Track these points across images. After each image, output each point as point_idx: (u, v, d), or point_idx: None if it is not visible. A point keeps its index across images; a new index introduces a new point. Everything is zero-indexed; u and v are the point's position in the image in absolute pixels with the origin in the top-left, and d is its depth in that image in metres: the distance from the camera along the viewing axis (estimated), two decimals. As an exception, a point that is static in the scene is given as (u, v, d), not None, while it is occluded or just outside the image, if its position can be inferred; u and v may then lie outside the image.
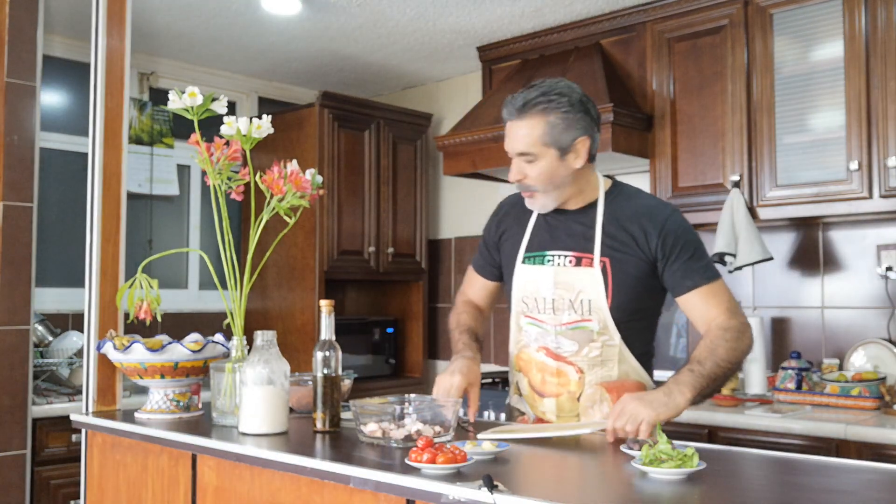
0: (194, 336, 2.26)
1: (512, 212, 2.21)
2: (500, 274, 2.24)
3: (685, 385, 1.84)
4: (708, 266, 2.01)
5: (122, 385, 2.48)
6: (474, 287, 2.33)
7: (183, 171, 4.45)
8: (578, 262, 2.01)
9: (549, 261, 2.05)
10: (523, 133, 1.98)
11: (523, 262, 2.11)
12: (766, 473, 1.65)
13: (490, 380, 3.73)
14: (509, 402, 2.24)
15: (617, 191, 2.08)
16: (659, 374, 3.67)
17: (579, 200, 2.06)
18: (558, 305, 2.03)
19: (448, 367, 2.06)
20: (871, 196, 2.93)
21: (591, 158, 2.03)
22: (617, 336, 1.99)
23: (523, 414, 2.17)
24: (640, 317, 2.04)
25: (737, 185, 3.22)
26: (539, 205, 2.06)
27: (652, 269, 2.01)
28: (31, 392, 3.09)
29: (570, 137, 1.97)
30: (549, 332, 2.04)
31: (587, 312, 2.00)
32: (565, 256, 2.04)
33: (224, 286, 2.09)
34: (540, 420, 2.11)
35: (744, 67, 3.25)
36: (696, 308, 1.99)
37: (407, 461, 1.53)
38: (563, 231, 2.07)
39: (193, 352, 2.18)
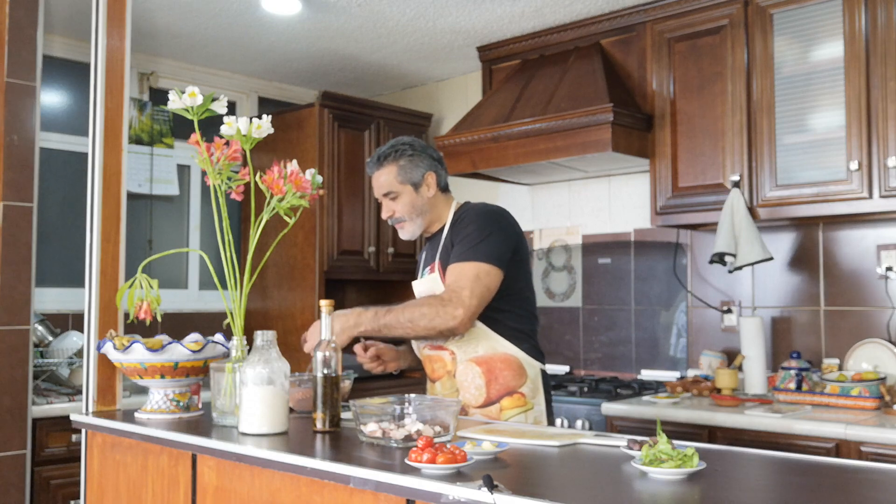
0: (194, 336, 2.26)
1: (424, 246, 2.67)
2: None
3: (358, 315, 2.29)
4: (473, 250, 2.30)
5: (122, 385, 2.49)
6: None
7: (183, 171, 4.45)
8: (432, 270, 2.45)
9: (422, 275, 2.54)
10: (384, 179, 2.47)
11: (418, 278, 2.56)
12: (766, 473, 1.65)
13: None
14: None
15: (461, 209, 2.49)
16: (659, 374, 3.72)
17: (437, 225, 2.52)
18: None
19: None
20: (871, 196, 2.93)
21: (444, 189, 2.52)
22: (474, 320, 2.33)
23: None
24: (492, 301, 2.32)
25: (737, 185, 3.22)
26: (408, 232, 2.51)
27: None
28: (31, 392, 3.09)
29: (420, 173, 2.46)
30: None
31: None
32: (427, 268, 2.50)
33: (224, 286, 2.09)
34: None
35: (744, 67, 3.25)
36: (446, 277, 2.34)
37: (407, 461, 1.53)
38: (429, 250, 2.56)
39: (193, 352, 2.18)
